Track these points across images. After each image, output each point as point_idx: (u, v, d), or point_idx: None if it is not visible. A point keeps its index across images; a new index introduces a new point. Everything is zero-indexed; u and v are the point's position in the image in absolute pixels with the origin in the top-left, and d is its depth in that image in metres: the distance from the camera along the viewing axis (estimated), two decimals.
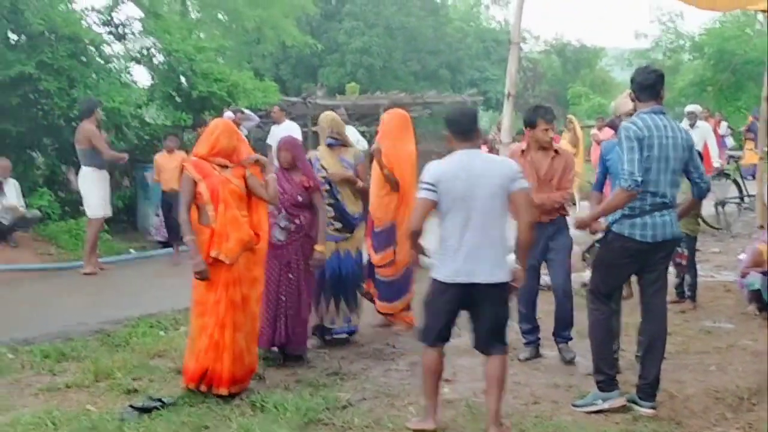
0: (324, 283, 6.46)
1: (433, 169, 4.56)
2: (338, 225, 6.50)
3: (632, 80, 4.98)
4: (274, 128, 13.01)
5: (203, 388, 5.20)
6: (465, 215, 4.46)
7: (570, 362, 5.93)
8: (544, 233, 5.79)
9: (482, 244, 4.47)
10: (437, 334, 4.68)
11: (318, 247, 5.98)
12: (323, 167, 6.49)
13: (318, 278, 6.34)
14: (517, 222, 4.62)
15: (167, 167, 10.28)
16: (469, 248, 4.47)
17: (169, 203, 10.19)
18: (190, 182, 5.23)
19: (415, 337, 4.87)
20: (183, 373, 5.36)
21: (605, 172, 5.88)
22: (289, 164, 6.06)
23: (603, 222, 5.09)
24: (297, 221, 6.00)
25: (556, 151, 6.04)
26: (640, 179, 4.64)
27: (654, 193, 4.76)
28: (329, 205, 6.44)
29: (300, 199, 5.98)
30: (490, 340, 4.62)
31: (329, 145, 6.59)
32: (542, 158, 6.00)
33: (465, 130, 4.62)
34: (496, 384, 4.57)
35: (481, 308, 4.58)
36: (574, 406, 5.02)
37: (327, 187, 6.44)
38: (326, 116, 6.79)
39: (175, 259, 10.34)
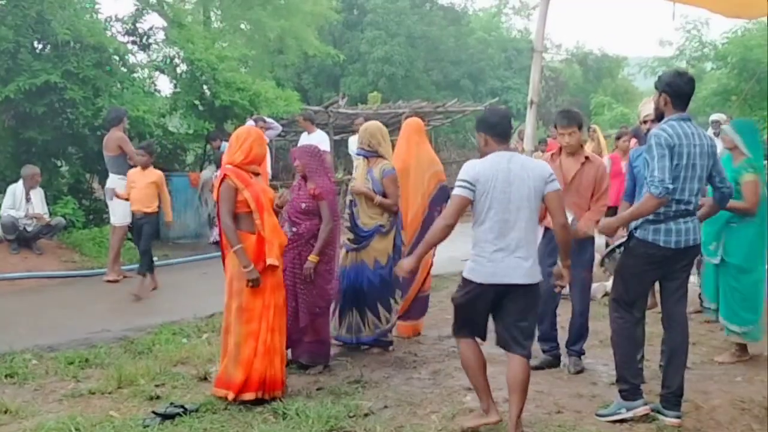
0: (343, 294, 6.47)
1: (471, 167, 4.58)
2: (350, 236, 6.52)
3: (670, 85, 4.86)
4: (304, 137, 13.03)
5: (261, 395, 5.24)
6: (502, 216, 4.51)
7: (576, 374, 5.90)
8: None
9: (518, 245, 4.54)
10: (466, 326, 4.76)
11: (311, 257, 5.92)
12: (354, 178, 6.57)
13: (340, 289, 6.38)
14: (552, 223, 4.73)
15: (139, 184, 9.00)
16: (507, 249, 4.52)
17: (139, 227, 9.13)
18: (232, 190, 5.23)
19: (453, 334, 4.90)
20: (224, 384, 5.25)
21: (635, 179, 5.85)
22: (301, 172, 6.10)
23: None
24: (297, 228, 5.99)
25: (587, 158, 5.99)
26: (671, 187, 4.61)
27: (679, 200, 4.73)
28: (349, 215, 6.47)
29: (304, 206, 5.98)
30: (516, 339, 4.66)
31: (361, 156, 6.61)
32: (572, 163, 5.97)
33: (501, 131, 4.68)
34: (519, 388, 4.59)
35: (512, 308, 4.63)
36: (598, 415, 4.98)
37: (350, 197, 6.49)
38: (362, 127, 6.78)
39: (140, 291, 8.97)
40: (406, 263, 4.85)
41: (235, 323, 5.28)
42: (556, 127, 6.09)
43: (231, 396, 5.20)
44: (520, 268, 4.54)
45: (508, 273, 4.53)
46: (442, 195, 6.82)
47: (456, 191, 4.58)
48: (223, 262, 5.41)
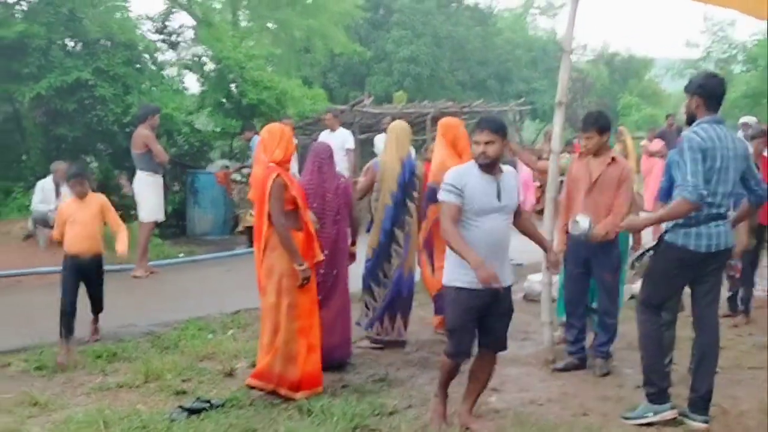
0: (398, 300, 6.57)
1: (456, 172, 4.61)
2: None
3: (703, 87, 4.82)
4: (324, 135, 12.73)
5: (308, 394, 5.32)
6: (489, 220, 4.53)
7: (603, 376, 5.85)
8: (582, 245, 5.75)
9: (500, 248, 4.58)
10: (467, 347, 4.73)
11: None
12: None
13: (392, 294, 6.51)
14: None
15: (80, 218, 6.70)
16: (493, 252, 4.52)
17: (88, 271, 6.86)
18: (284, 188, 5.26)
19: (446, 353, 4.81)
20: (267, 378, 5.30)
21: (671, 180, 5.79)
22: None
23: None
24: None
25: (613, 158, 5.96)
26: (705, 192, 4.56)
27: (711, 204, 4.68)
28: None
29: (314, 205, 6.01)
30: (499, 342, 4.73)
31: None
32: (597, 164, 5.94)
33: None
34: (485, 379, 4.81)
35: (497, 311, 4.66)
36: (624, 418, 4.95)
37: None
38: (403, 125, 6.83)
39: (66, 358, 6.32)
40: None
41: (286, 320, 5.30)
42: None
43: (283, 392, 5.28)
44: (504, 269, 4.59)
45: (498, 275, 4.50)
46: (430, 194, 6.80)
47: (444, 196, 4.57)
48: (261, 258, 5.38)
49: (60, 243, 6.75)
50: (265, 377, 5.31)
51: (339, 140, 12.02)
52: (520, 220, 4.85)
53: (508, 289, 4.67)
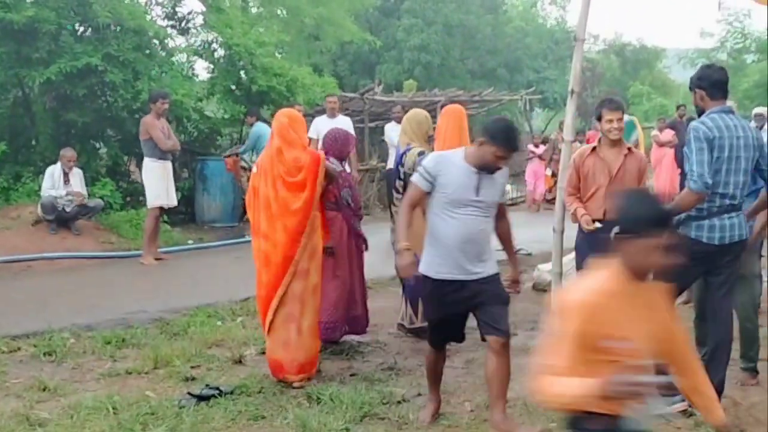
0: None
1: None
2: None
3: (702, 78, 4.81)
4: (320, 120, 12.09)
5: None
6: (463, 213, 4.43)
7: None
8: (600, 235, 5.63)
9: (472, 242, 4.46)
10: (443, 336, 4.78)
11: None
12: None
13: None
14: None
15: None
16: (464, 245, 4.45)
17: None
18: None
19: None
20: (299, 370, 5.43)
21: None
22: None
23: None
24: None
25: (629, 149, 5.86)
26: (710, 181, 4.52)
27: (723, 194, 4.63)
28: None
29: None
30: (492, 328, 4.58)
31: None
32: (615, 155, 5.78)
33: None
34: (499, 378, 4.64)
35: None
36: None
37: None
38: (423, 115, 6.76)
39: None
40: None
41: (312, 300, 5.45)
42: (599, 118, 5.91)
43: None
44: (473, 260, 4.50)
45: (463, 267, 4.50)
46: None
47: (414, 178, 4.59)
48: (296, 240, 5.38)
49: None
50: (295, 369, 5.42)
51: (341, 126, 11.85)
52: (499, 223, 4.71)
53: (491, 278, 4.55)
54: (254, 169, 5.61)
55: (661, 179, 12.69)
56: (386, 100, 17.55)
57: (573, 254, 6.25)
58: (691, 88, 4.91)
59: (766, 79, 25.31)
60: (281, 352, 5.38)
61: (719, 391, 4.79)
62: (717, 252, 4.69)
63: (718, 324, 4.89)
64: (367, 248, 6.44)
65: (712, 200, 4.62)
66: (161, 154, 9.97)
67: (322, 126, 10.91)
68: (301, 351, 5.40)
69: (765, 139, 5.42)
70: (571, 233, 5.98)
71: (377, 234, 6.64)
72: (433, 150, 6.42)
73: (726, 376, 4.89)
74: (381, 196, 15.08)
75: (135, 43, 12.02)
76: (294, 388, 5.28)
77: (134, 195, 12.37)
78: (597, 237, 5.79)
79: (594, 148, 5.87)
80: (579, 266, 6.10)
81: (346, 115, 18.04)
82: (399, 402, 5.07)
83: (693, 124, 4.72)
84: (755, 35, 30.59)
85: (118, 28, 12.01)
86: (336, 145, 6.24)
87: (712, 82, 4.78)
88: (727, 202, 4.65)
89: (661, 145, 13.35)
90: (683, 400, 4.81)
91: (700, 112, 4.85)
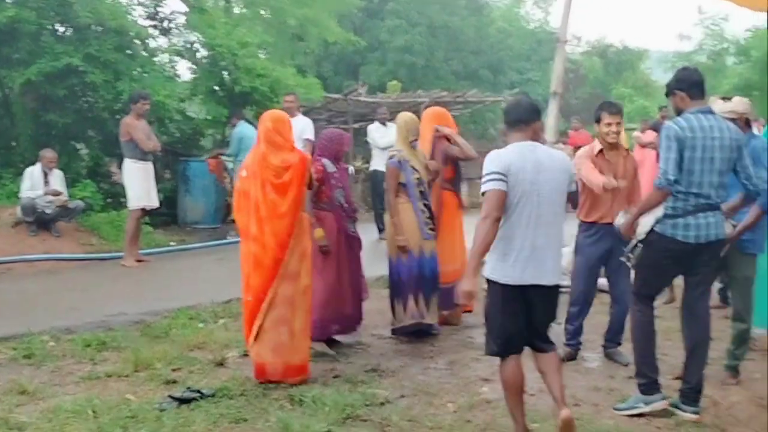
0: (422, 281, 6.46)
1: (498, 158, 4.20)
2: (432, 224, 6.55)
3: (680, 80, 4.87)
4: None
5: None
6: (531, 211, 4.18)
7: (627, 365, 5.74)
8: (611, 234, 5.59)
9: (548, 243, 4.23)
10: (510, 343, 4.31)
11: None
12: (414, 168, 6.50)
13: (414, 276, 6.41)
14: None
15: None
16: (536, 247, 4.19)
17: None
18: None
19: (485, 352, 4.51)
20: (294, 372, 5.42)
21: None
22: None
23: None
24: None
25: (627, 150, 5.97)
26: (673, 178, 4.59)
27: (697, 194, 4.67)
28: (425, 206, 6.49)
29: None
30: (544, 338, 4.42)
31: (414, 147, 6.60)
32: (617, 157, 5.95)
33: (518, 119, 4.35)
34: (556, 372, 4.36)
35: (539, 310, 4.33)
36: (616, 409, 4.95)
37: (422, 188, 6.49)
38: (407, 117, 6.71)
39: None
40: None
41: (303, 302, 5.43)
42: (598, 120, 5.96)
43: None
44: (548, 267, 4.24)
45: (540, 273, 4.21)
46: None
47: (488, 185, 4.15)
48: (285, 242, 5.36)
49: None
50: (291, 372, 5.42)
51: (297, 128, 11.49)
52: None
53: (553, 288, 4.41)
54: (243, 173, 5.57)
55: (644, 180, 12.70)
56: (370, 101, 17.55)
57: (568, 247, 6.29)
58: (668, 93, 4.95)
59: (746, 82, 25.55)
60: (270, 356, 5.35)
61: (698, 390, 4.84)
62: (693, 251, 4.72)
63: (696, 323, 4.93)
64: (361, 248, 6.48)
65: (687, 199, 4.67)
66: (142, 155, 9.91)
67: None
68: (294, 353, 5.38)
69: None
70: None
71: (362, 234, 6.62)
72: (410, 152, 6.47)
73: (705, 376, 4.92)
74: (365, 196, 15.05)
75: (116, 44, 11.95)
76: (277, 390, 5.25)
77: (115, 196, 12.27)
78: (600, 237, 5.83)
79: (600, 152, 5.93)
80: (580, 269, 6.08)
81: (330, 115, 18.08)
82: (382, 404, 5.05)
83: (666, 123, 4.80)
84: (732, 38, 30.89)
85: (99, 28, 11.94)
86: (331, 145, 6.26)
87: (691, 83, 4.84)
88: (702, 201, 4.68)
89: (644, 146, 13.38)
90: (664, 399, 4.85)
91: (679, 114, 4.89)
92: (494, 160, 4.20)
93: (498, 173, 4.14)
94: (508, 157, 4.20)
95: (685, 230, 4.70)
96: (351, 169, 12.66)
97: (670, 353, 5.69)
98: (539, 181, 4.18)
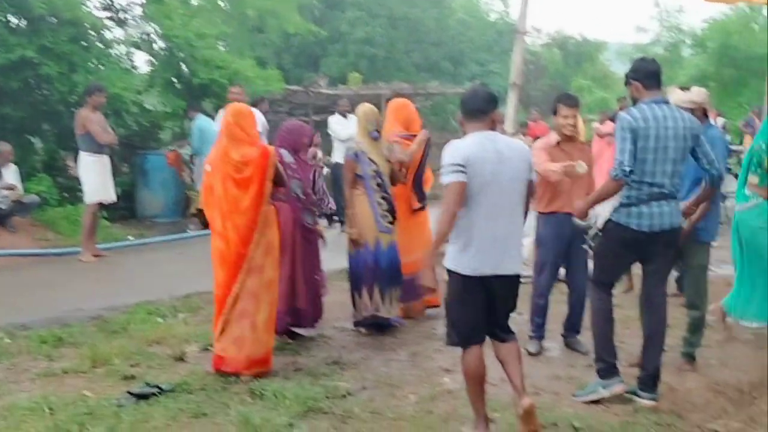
0: (377, 274, 6.42)
1: (458, 149, 4.20)
2: (390, 217, 6.48)
3: (636, 70, 4.92)
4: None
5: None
6: (492, 201, 4.18)
7: (587, 354, 5.78)
8: (571, 224, 5.50)
9: (508, 233, 4.23)
10: (470, 334, 4.33)
11: None
12: (372, 161, 6.44)
13: (370, 269, 6.37)
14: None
15: None
16: (497, 238, 4.20)
17: None
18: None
19: (446, 342, 4.54)
20: (253, 364, 5.38)
21: None
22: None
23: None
24: None
25: (583, 143, 6.04)
26: (628, 169, 4.65)
27: (651, 183, 4.73)
28: (382, 198, 6.44)
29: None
30: (504, 330, 4.43)
31: (374, 138, 6.54)
32: (573, 150, 6.00)
33: (476, 109, 4.34)
34: (517, 360, 4.37)
35: (501, 300, 4.34)
36: (575, 396, 5.00)
37: (379, 180, 6.44)
38: (367, 109, 6.68)
39: None
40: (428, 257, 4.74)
41: (267, 295, 5.38)
42: (555, 112, 6.03)
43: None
44: (509, 257, 4.25)
45: (500, 262, 4.21)
46: None
47: (449, 177, 4.15)
48: (248, 236, 5.32)
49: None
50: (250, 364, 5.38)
51: None
52: None
53: (514, 277, 4.46)
54: (207, 167, 5.51)
55: (603, 170, 12.80)
56: (331, 93, 17.50)
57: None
58: (626, 83, 5.01)
59: (703, 73, 25.95)
60: (232, 349, 5.32)
61: (656, 376, 4.90)
62: (646, 239, 4.79)
63: (652, 311, 5.01)
64: (325, 243, 6.43)
65: (640, 188, 4.72)
66: (98, 149, 9.76)
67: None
68: (255, 346, 5.35)
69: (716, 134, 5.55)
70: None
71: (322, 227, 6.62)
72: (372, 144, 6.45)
73: (663, 363, 4.99)
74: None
75: (71, 35, 11.74)
76: (237, 384, 5.20)
77: (71, 190, 12.04)
78: (561, 227, 5.86)
79: (559, 143, 5.98)
80: (544, 261, 6.11)
81: (291, 107, 17.96)
82: (344, 396, 5.04)
83: (620, 114, 4.85)
84: (689, 30, 31.38)
85: (54, 20, 11.72)
86: (290, 136, 6.21)
87: (647, 74, 4.89)
88: (656, 190, 4.73)
89: (602, 136, 13.53)
90: (621, 383, 4.91)
91: (636, 104, 4.95)
92: (453, 152, 4.20)
93: (457, 165, 4.14)
94: (468, 148, 4.20)
95: (638, 219, 4.76)
96: (327, 159, 12.61)
97: (628, 341, 5.76)
98: (499, 171, 4.18)
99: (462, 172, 4.14)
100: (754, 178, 5.80)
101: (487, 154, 4.18)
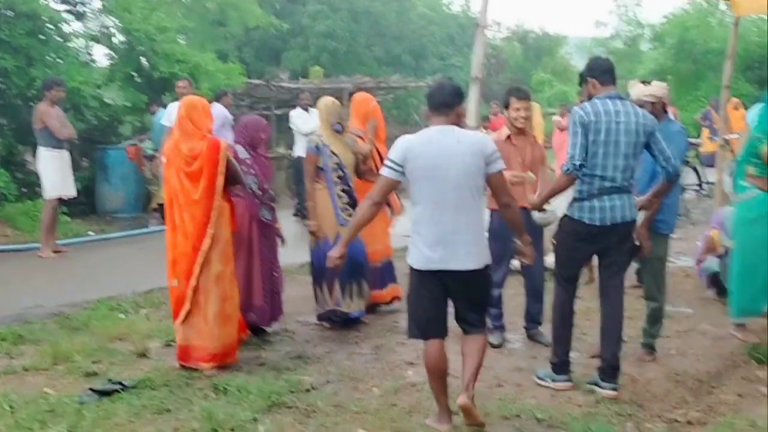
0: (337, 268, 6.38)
1: (399, 145, 4.26)
2: (351, 211, 6.43)
3: (591, 68, 5.02)
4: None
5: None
6: (436, 197, 4.19)
7: (549, 345, 5.86)
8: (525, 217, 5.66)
9: (458, 228, 4.20)
10: (428, 326, 4.37)
11: None
12: (334, 153, 6.42)
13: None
14: (497, 204, 4.52)
15: None
16: (445, 232, 4.20)
17: None
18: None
19: (408, 335, 4.61)
20: (211, 358, 5.40)
21: None
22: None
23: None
24: None
25: (535, 137, 6.08)
26: (578, 163, 4.73)
27: (602, 177, 4.80)
28: (343, 191, 6.41)
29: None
30: (469, 323, 4.45)
31: (336, 131, 6.52)
32: (525, 143, 6.04)
33: (441, 103, 4.34)
34: (475, 354, 4.37)
35: (458, 294, 4.36)
36: (538, 377, 5.17)
37: (341, 173, 6.41)
38: (328, 101, 6.66)
39: None
40: (334, 252, 4.65)
41: (216, 289, 5.37)
42: (507, 105, 6.06)
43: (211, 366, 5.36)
44: (458, 252, 4.21)
45: (446, 258, 4.21)
46: None
47: (382, 171, 4.31)
48: (199, 230, 5.33)
49: None
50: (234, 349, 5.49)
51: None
52: None
53: (470, 273, 4.44)
54: (164, 159, 5.51)
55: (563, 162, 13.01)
56: (293, 87, 17.42)
57: None
58: (581, 83, 5.14)
59: (661, 67, 26.31)
60: (196, 339, 5.38)
61: (615, 366, 4.99)
62: (599, 233, 4.87)
63: (608, 302, 5.09)
64: (283, 242, 6.38)
65: (591, 182, 4.80)
66: (57, 143, 9.63)
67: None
68: (210, 339, 5.35)
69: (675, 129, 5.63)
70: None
71: (284, 221, 6.59)
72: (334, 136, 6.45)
73: (624, 353, 5.07)
74: (289, 183, 14.95)
75: (28, 29, 11.54)
76: (201, 379, 5.19)
77: (30, 186, 11.85)
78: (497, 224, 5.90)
79: (509, 137, 6.01)
80: (498, 254, 6.15)
81: (252, 101, 17.84)
82: (307, 390, 5.05)
83: (573, 109, 4.94)
84: (647, 24, 31.81)
85: (11, 13, 11.51)
86: (246, 131, 6.16)
87: (602, 70, 4.98)
88: (607, 184, 4.80)
89: (563, 129, 13.68)
90: (568, 382, 5.01)
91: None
92: (394, 148, 4.31)
93: (393, 162, 4.26)
94: (407, 145, 4.27)
95: (590, 213, 4.84)
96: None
97: (590, 333, 5.85)
98: (444, 166, 4.18)
99: (394, 169, 4.25)
100: (751, 169, 5.91)
101: (429, 150, 4.21)
